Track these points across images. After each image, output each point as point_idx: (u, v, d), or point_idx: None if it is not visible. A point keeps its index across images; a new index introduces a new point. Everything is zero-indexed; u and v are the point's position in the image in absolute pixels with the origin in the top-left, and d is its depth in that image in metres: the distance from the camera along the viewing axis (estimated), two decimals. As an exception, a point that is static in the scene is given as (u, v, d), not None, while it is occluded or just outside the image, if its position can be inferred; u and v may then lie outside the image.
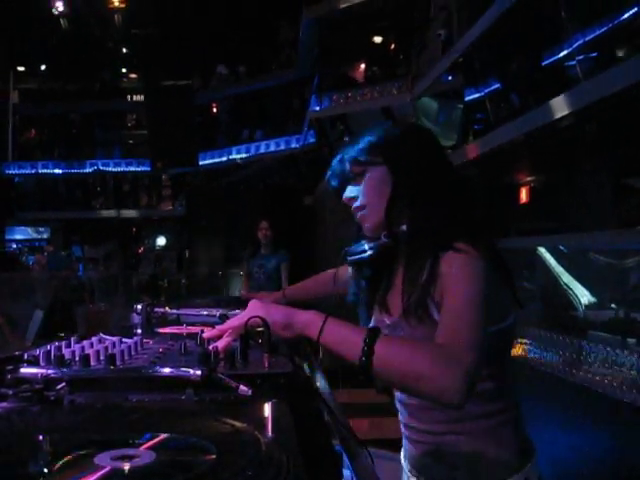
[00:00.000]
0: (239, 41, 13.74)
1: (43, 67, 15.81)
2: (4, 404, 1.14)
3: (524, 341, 4.37)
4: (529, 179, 6.42)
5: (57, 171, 15.93)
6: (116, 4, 12.24)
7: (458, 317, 1.51)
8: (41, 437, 0.93)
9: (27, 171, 15.98)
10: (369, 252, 1.92)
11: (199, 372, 1.26)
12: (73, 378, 1.25)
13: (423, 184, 1.79)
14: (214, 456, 0.88)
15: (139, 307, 2.58)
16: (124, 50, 15.47)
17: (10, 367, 1.20)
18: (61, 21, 12.39)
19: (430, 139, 1.93)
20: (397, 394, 1.92)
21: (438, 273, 1.68)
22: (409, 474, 1.97)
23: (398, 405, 2.02)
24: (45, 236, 17.93)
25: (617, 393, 3.36)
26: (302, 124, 12.29)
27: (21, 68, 16.51)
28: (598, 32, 5.45)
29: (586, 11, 5.58)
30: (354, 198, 1.96)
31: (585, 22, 5.59)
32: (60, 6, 11.72)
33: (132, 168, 16.08)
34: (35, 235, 18.22)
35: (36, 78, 16.46)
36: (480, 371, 1.46)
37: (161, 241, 17.63)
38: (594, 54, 5.42)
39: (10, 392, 1.16)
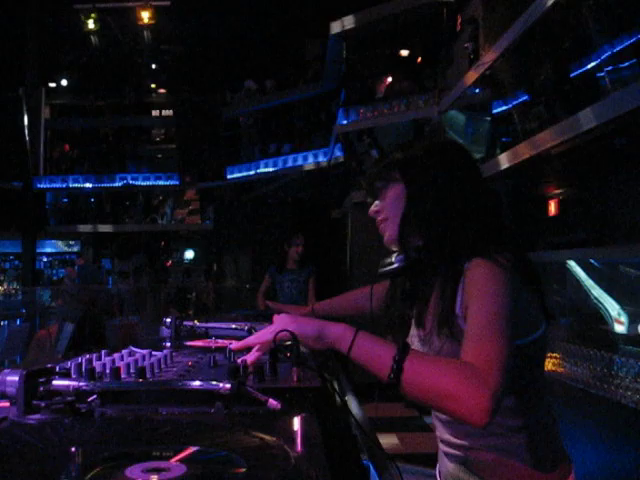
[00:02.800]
0: (267, 56, 13.85)
1: (74, 83, 15.99)
2: (37, 416, 1.16)
3: (555, 355, 4.33)
4: (558, 191, 6.38)
5: (87, 185, 16.11)
6: (145, 21, 12.37)
7: (482, 335, 1.51)
8: (73, 449, 0.94)
9: (58, 185, 16.17)
10: (395, 265, 1.94)
11: (228, 385, 1.27)
12: (104, 390, 1.26)
13: (437, 202, 1.80)
14: (244, 469, 0.89)
15: (168, 320, 2.61)
16: (153, 66, 15.63)
17: (42, 380, 1.22)
18: (92, 38, 12.55)
19: (453, 156, 1.93)
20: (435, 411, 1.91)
21: (462, 286, 1.68)
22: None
23: (434, 419, 2.02)
24: (75, 249, 18.16)
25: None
26: (329, 138, 12.33)
27: (52, 84, 16.74)
28: (627, 43, 5.42)
29: (614, 22, 5.55)
30: (378, 212, 2.00)
31: (613, 33, 5.56)
32: (91, 23, 11.91)
33: (161, 182, 16.21)
34: (66, 248, 18.46)
35: (67, 94, 16.67)
36: (506, 390, 1.46)
37: (189, 254, 17.74)
38: (623, 65, 5.39)
39: (42, 404, 1.18)
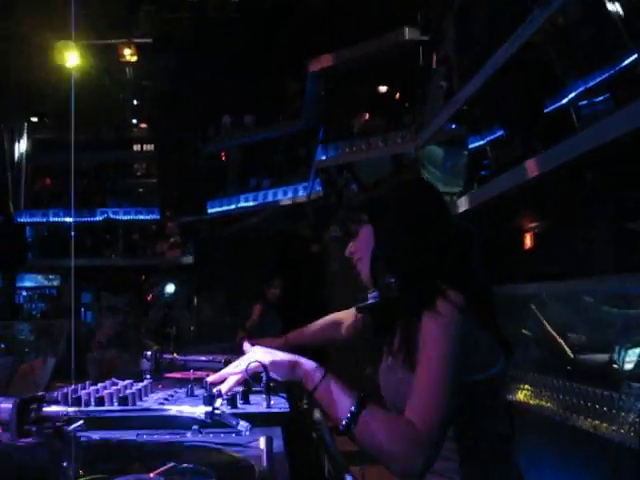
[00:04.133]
0: (246, 92, 14.04)
1: (55, 118, 16.11)
2: (29, 439, 1.26)
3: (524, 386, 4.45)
4: (531, 225, 6.56)
5: (68, 219, 16.15)
6: (127, 57, 12.57)
7: (425, 391, 1.66)
8: (62, 466, 1.05)
9: (38, 219, 16.21)
10: (370, 301, 2.10)
11: (203, 411, 1.38)
12: (90, 417, 1.37)
13: (400, 242, 1.95)
14: (214, 480, 1.00)
15: (148, 354, 2.71)
16: (134, 102, 15.80)
17: (34, 406, 1.32)
18: (73, 73, 12.71)
19: (418, 195, 2.08)
20: None
21: (419, 327, 1.82)
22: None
23: None
24: (55, 283, 18.10)
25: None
26: (308, 173, 12.51)
27: (34, 119, 16.85)
28: (599, 79, 5.64)
29: (585, 58, 5.77)
30: (352, 252, 2.14)
31: (585, 69, 5.78)
32: (73, 60, 12.06)
33: (141, 216, 16.30)
34: (45, 282, 18.39)
35: (48, 128, 16.77)
36: (441, 443, 1.63)
37: (170, 288, 17.75)
38: (596, 99, 5.59)
39: (34, 429, 1.28)
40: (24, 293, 18.27)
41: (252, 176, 14.79)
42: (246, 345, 1.90)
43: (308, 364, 1.69)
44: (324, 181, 11.57)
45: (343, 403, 1.60)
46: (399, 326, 1.94)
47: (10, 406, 1.26)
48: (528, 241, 6.53)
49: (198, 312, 15.46)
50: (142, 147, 17.26)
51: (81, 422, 1.34)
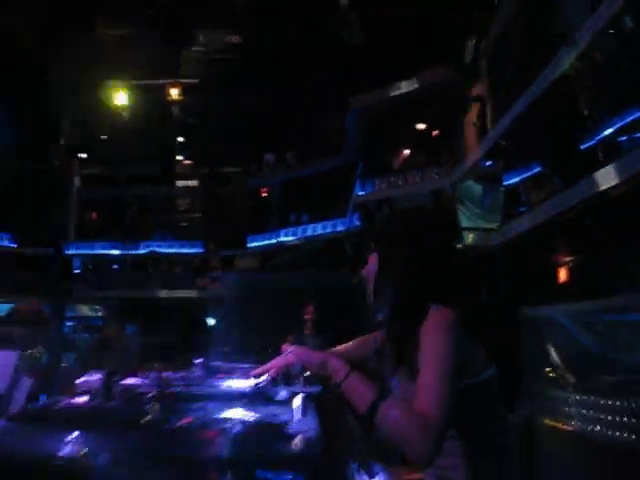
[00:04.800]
0: (289, 129, 14.47)
1: (104, 154, 16.71)
2: (113, 402, 1.56)
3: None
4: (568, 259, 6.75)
5: (114, 252, 16.64)
6: (174, 97, 13.12)
7: (429, 386, 1.95)
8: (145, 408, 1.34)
9: (85, 251, 16.73)
10: (379, 319, 2.39)
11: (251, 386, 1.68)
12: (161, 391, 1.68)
13: (399, 267, 2.26)
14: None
15: (198, 361, 3.03)
16: (180, 139, 16.33)
17: (116, 379, 1.64)
18: (122, 113, 13.30)
19: (419, 230, 2.39)
20: None
21: (418, 342, 2.11)
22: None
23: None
24: (100, 314, 18.54)
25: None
26: (347, 208, 12.81)
27: (83, 155, 17.47)
28: (634, 115, 5.86)
29: (621, 95, 6.00)
30: (366, 274, 2.47)
31: (620, 105, 6.00)
32: (122, 99, 12.63)
33: (185, 250, 16.71)
34: (90, 313, 18.85)
35: (96, 165, 17.34)
36: (447, 427, 1.91)
37: (211, 322, 18.05)
38: (633, 135, 5.81)
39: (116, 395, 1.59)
40: (69, 323, 18.73)
41: (292, 211, 15.13)
42: (285, 347, 2.22)
43: (336, 361, 2.02)
44: (362, 215, 11.85)
45: (365, 395, 1.92)
46: (396, 342, 2.24)
47: (101, 376, 1.57)
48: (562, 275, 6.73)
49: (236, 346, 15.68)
50: (186, 182, 17.74)
51: (154, 393, 1.64)
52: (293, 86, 13.76)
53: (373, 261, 2.38)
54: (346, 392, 1.99)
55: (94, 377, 1.57)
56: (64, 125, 14.01)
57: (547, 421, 4.35)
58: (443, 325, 2.07)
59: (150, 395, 1.57)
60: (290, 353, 2.11)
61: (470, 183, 9.40)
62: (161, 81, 12.92)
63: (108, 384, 1.53)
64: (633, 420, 3.55)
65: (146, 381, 1.57)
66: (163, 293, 17.13)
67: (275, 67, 13.71)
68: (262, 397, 1.70)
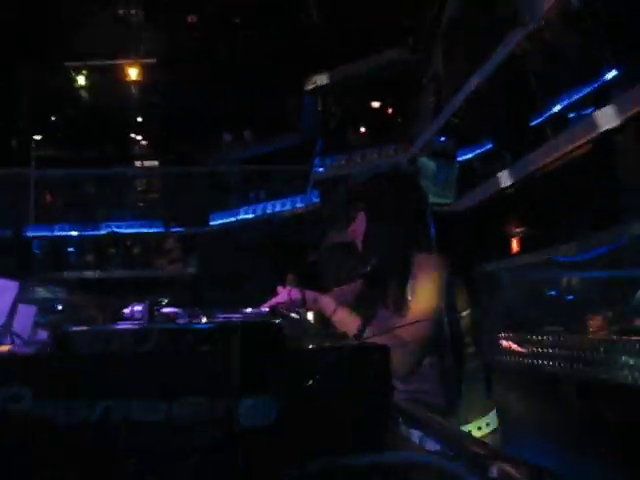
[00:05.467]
0: (246, 108, 14.62)
1: (60, 135, 16.65)
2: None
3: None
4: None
5: (73, 233, 16.65)
6: (132, 77, 13.18)
7: (415, 316, 2.32)
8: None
9: (45, 233, 16.71)
10: (365, 270, 2.71)
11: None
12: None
13: (388, 222, 2.60)
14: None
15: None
16: (138, 119, 16.37)
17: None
18: (81, 93, 13.32)
19: (401, 188, 2.73)
20: None
21: (410, 280, 2.47)
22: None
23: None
24: (60, 296, 18.54)
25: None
26: (306, 185, 13.07)
27: (37, 137, 17.37)
28: (581, 94, 6.20)
29: (568, 74, 6.34)
30: (352, 231, 2.79)
31: (568, 85, 6.35)
32: (81, 79, 12.65)
33: (144, 230, 16.80)
34: (50, 295, 18.84)
35: (53, 145, 17.26)
36: (423, 355, 2.29)
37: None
38: (581, 112, 6.15)
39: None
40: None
41: (252, 189, 15.34)
42: (279, 288, 2.58)
43: (326, 298, 2.42)
44: (321, 192, 12.11)
45: (352, 322, 2.30)
46: (392, 284, 2.57)
47: (143, 306, 1.81)
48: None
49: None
50: (142, 163, 17.77)
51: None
52: (251, 64, 13.92)
53: (361, 218, 2.71)
54: (336, 322, 2.39)
55: (137, 306, 1.81)
56: (21, 106, 13.95)
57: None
58: (432, 270, 2.44)
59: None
60: (291, 290, 2.48)
61: (424, 160, 9.67)
62: (119, 61, 12.93)
63: (151, 310, 1.77)
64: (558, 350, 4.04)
65: (181, 310, 1.82)
66: (124, 273, 17.21)
67: (233, 46, 13.84)
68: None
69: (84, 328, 1.11)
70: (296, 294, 2.48)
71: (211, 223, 15.44)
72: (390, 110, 12.35)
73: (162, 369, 0.84)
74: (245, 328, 0.95)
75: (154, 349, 0.98)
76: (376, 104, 12.41)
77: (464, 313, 2.54)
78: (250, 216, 14.92)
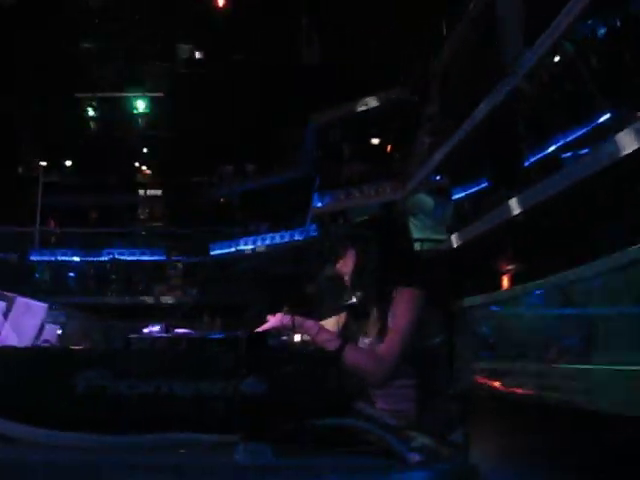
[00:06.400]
0: (248, 143, 15.00)
1: (68, 163, 17.02)
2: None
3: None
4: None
5: (75, 259, 16.93)
6: (140, 110, 13.59)
7: (391, 340, 2.65)
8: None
9: (47, 258, 16.99)
10: (352, 301, 3.05)
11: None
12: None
13: (375, 261, 2.96)
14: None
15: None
16: (144, 150, 16.75)
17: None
18: (90, 123, 13.73)
19: (385, 228, 3.10)
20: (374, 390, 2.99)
21: (390, 310, 2.81)
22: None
23: (374, 397, 3.08)
24: (61, 320, 18.78)
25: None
26: (305, 219, 13.40)
27: (43, 163, 17.70)
28: (579, 132, 6.52)
29: (563, 116, 6.67)
30: (341, 267, 3.14)
31: (563, 126, 6.67)
32: (90, 110, 13.06)
33: (146, 257, 17.08)
34: (50, 319, 19.06)
35: (60, 172, 17.59)
36: (395, 373, 2.60)
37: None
38: (577, 152, 6.45)
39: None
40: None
41: (252, 221, 15.67)
42: (269, 316, 2.90)
43: (310, 322, 2.73)
44: (320, 226, 12.43)
45: (334, 342, 2.62)
46: (374, 316, 2.92)
47: (160, 326, 2.15)
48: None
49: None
50: (145, 192, 18.08)
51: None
52: (253, 101, 14.31)
53: (350, 257, 3.06)
54: (319, 342, 2.72)
55: (154, 327, 2.16)
56: (30, 134, 14.33)
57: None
58: (411, 301, 2.80)
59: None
60: (282, 316, 2.81)
61: (422, 196, 9.90)
62: (127, 94, 13.36)
63: (167, 330, 2.13)
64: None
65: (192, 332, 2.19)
66: (122, 301, 17.43)
67: (237, 82, 14.25)
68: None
69: (138, 335, 1.71)
70: (286, 319, 2.81)
71: (211, 253, 15.75)
72: (389, 148, 12.66)
73: (190, 361, 1.35)
74: (240, 338, 1.42)
75: (185, 349, 1.46)
76: (374, 141, 12.73)
77: (437, 339, 2.89)
78: (250, 247, 15.22)
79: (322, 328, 2.82)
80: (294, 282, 14.14)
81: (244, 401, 1.27)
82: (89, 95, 13.15)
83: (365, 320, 3.10)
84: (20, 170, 15.54)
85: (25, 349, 1.94)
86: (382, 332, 2.88)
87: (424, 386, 2.90)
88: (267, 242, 14.96)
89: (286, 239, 14.62)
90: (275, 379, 1.32)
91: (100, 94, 13.07)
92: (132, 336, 1.50)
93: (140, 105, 13.54)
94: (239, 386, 1.28)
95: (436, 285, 3.29)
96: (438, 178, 9.48)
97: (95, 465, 1.12)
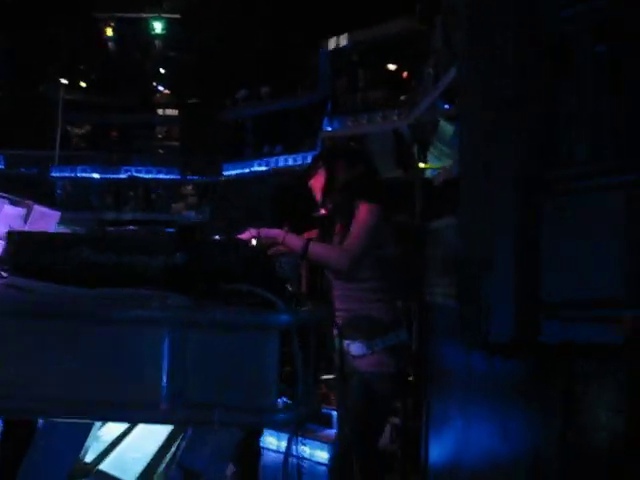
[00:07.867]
0: (266, 64, 15.23)
1: (87, 82, 17.34)
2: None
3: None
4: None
5: (95, 175, 17.45)
6: (157, 31, 13.86)
7: (354, 237, 3.20)
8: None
9: (68, 174, 17.51)
10: (322, 212, 3.57)
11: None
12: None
13: (342, 178, 3.47)
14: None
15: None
16: (161, 70, 17.01)
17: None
18: (108, 44, 14.03)
19: (351, 154, 3.61)
20: (334, 292, 3.52)
21: (354, 217, 3.34)
22: (338, 338, 3.54)
23: (333, 298, 3.63)
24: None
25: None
26: (316, 142, 13.72)
27: (64, 81, 18.04)
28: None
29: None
30: (313, 184, 3.66)
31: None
32: (109, 31, 13.36)
33: (162, 175, 17.59)
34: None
35: (79, 91, 17.93)
36: (360, 261, 3.11)
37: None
38: None
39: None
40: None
41: (266, 143, 16.00)
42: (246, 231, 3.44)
43: (276, 230, 3.33)
44: (329, 150, 12.74)
45: (300, 243, 3.22)
46: (340, 220, 3.46)
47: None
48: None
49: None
50: (164, 111, 18.42)
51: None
52: (271, 22, 14.48)
53: (322, 174, 3.65)
54: (287, 245, 3.37)
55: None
56: (50, 54, 14.66)
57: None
58: (369, 213, 3.39)
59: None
60: (251, 230, 3.38)
61: (443, 123, 10.08)
62: (145, 15, 13.62)
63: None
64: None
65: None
66: (139, 216, 17.97)
67: (253, 5, 14.40)
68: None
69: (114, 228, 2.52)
70: (254, 231, 3.36)
71: (224, 173, 16.19)
72: (402, 75, 12.82)
73: (144, 243, 2.03)
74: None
75: (142, 236, 2.13)
76: (388, 68, 12.89)
77: (389, 250, 3.44)
78: (263, 168, 15.62)
79: (288, 234, 3.42)
80: (305, 204, 14.58)
81: (174, 268, 1.97)
82: (107, 15, 13.45)
83: (332, 230, 3.73)
84: (41, 89, 15.88)
85: (43, 233, 3.58)
86: (344, 238, 3.49)
87: (373, 290, 3.48)
88: (280, 164, 15.32)
89: (298, 161, 14.97)
90: (195, 255, 2.10)
91: (119, 14, 13.36)
92: (109, 228, 2.35)
93: (157, 26, 13.80)
94: (171, 258, 1.97)
95: (391, 203, 3.82)
96: (446, 106, 9.67)
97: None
